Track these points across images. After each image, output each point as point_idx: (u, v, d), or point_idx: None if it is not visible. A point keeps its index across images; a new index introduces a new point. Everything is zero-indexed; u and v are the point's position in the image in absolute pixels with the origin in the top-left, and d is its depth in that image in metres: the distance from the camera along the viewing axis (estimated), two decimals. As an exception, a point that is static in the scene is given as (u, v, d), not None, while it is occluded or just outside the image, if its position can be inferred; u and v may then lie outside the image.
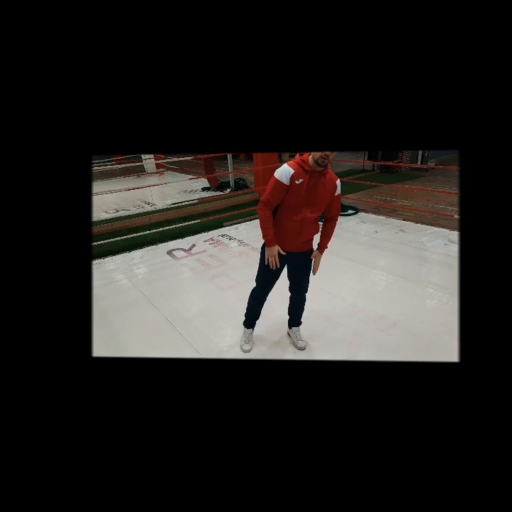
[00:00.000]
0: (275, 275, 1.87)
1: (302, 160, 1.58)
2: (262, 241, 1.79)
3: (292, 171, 1.57)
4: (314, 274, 1.89)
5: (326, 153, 1.51)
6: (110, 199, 6.04)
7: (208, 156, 6.28)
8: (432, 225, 4.18)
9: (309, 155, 1.58)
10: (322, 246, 1.84)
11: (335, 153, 1.58)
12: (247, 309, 2.09)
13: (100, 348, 2.15)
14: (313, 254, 1.84)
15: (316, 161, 1.55)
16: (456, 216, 3.80)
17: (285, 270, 1.92)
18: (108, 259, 3.63)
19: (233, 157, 6.41)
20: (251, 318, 2.11)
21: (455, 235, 3.83)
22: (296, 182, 1.57)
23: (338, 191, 1.69)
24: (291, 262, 1.85)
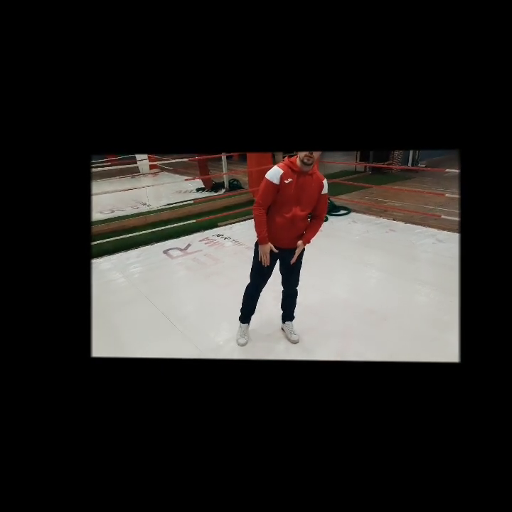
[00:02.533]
0: (268, 271, 1.97)
1: (290, 162, 1.73)
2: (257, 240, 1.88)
3: (281, 172, 1.71)
4: (292, 263, 1.93)
5: (311, 152, 1.63)
6: (105, 200, 6.06)
7: (203, 158, 6.35)
8: (420, 224, 4.31)
9: (297, 157, 1.72)
10: (306, 238, 1.89)
11: (319, 152, 1.69)
12: (242, 305, 2.18)
13: (99, 346, 2.19)
14: (297, 243, 1.88)
15: (301, 160, 1.67)
16: (442, 216, 3.93)
17: (278, 265, 2.01)
18: (104, 258, 3.68)
19: (227, 158, 6.48)
20: (246, 313, 2.19)
21: (443, 234, 3.96)
22: (285, 181, 1.71)
23: (325, 190, 1.80)
24: (283, 257, 1.95)
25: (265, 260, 1.86)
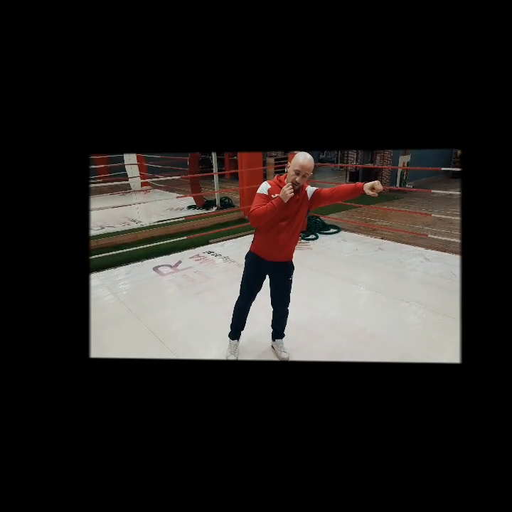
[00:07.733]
0: (258, 283, 1.99)
1: (279, 180, 1.80)
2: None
3: (269, 186, 1.78)
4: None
5: (297, 180, 1.67)
6: (95, 216, 6.02)
7: (195, 176, 6.42)
8: (408, 243, 4.38)
9: (286, 176, 1.77)
10: (353, 185, 1.73)
11: (306, 178, 1.70)
12: (232, 319, 2.17)
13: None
14: (365, 186, 1.66)
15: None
16: (429, 235, 4.02)
17: (268, 281, 2.02)
18: (93, 275, 3.63)
19: (219, 177, 6.56)
20: (236, 329, 2.18)
21: (430, 253, 4.03)
22: (273, 196, 1.75)
23: (310, 193, 1.80)
24: (273, 272, 1.97)
25: (289, 190, 1.66)
